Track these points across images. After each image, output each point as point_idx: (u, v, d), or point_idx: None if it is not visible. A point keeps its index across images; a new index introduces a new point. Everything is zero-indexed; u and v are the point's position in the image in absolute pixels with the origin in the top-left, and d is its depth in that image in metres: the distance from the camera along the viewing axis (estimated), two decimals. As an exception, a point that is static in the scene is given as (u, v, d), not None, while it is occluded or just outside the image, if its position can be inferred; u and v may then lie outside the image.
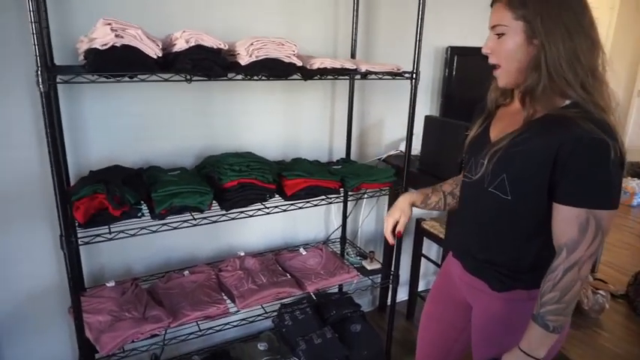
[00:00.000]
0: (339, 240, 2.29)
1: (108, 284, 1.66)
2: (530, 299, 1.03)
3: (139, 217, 1.40)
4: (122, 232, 1.36)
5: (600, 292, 2.60)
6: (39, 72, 1.13)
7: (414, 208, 1.32)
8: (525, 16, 0.94)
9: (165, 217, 1.42)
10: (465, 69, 2.29)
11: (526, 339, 0.99)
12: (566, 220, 0.93)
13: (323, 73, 1.61)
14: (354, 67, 1.68)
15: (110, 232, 1.35)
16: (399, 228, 1.29)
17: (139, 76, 1.31)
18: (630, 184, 4.58)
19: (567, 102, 0.96)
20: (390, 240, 1.29)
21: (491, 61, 1.03)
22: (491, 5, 1.02)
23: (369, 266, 2.05)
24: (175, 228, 1.44)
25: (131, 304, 1.58)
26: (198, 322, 1.60)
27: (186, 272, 1.81)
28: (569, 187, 0.91)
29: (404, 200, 1.30)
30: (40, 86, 1.14)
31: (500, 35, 0.99)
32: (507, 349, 1.02)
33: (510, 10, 0.96)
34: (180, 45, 1.33)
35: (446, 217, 2.10)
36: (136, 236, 1.38)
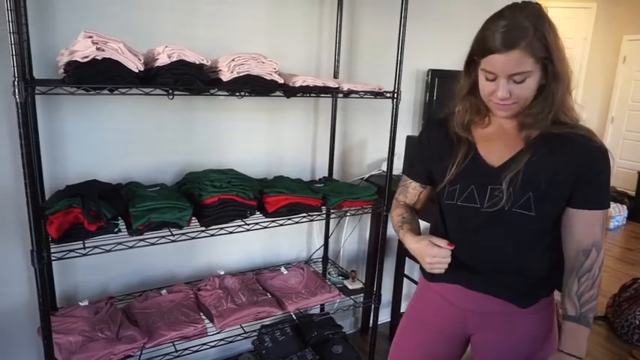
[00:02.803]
0: (321, 259, 2.27)
1: (81, 303, 1.61)
2: (550, 304, 1.11)
3: (116, 233, 1.37)
4: (97, 247, 1.32)
5: (580, 313, 2.61)
6: (16, 82, 1.11)
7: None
8: (546, 58, 0.94)
9: (142, 233, 1.39)
10: (446, 91, 2.34)
11: (573, 342, 1.00)
12: (590, 223, 1.02)
13: (305, 90, 1.62)
14: (337, 86, 1.70)
15: (84, 248, 1.31)
16: (444, 244, 1.06)
17: (119, 90, 1.31)
18: (607, 207, 4.67)
19: (546, 119, 1.00)
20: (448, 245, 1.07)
21: (507, 102, 0.98)
22: (500, 52, 0.93)
23: (351, 286, 2.03)
24: (153, 244, 1.41)
25: (104, 323, 1.53)
26: (175, 343, 1.55)
27: (163, 291, 1.76)
28: (592, 193, 1.00)
29: (413, 240, 1.12)
30: (17, 96, 1.12)
31: (521, 80, 0.95)
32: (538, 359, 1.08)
33: (532, 56, 0.93)
34: (162, 60, 1.34)
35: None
36: (113, 253, 1.35)
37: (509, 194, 1.01)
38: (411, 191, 1.26)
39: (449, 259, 1.04)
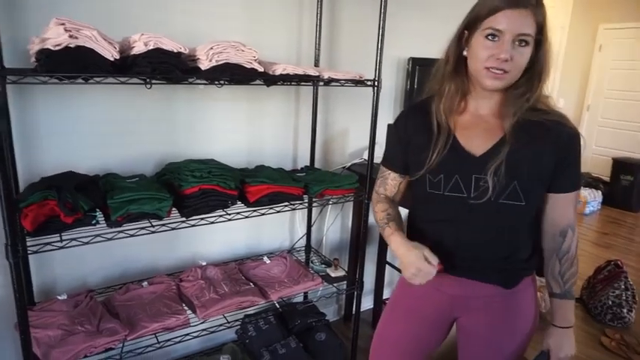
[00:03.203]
0: (303, 248, 2.28)
1: (60, 297, 1.58)
2: (531, 283, 1.17)
3: (94, 225, 1.34)
4: (75, 240, 1.30)
5: (557, 296, 2.69)
6: (-15, 71, 1.08)
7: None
8: (541, 23, 0.96)
9: (121, 225, 1.37)
10: (426, 79, 2.34)
11: (561, 316, 1.12)
12: (565, 205, 1.08)
13: (286, 79, 1.61)
14: (317, 74, 1.69)
15: (61, 240, 1.28)
16: (435, 262, 1.05)
17: (94, 79, 1.27)
18: (582, 193, 4.80)
19: (525, 105, 1.02)
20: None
21: (505, 68, 0.97)
22: (511, 8, 0.94)
23: (334, 274, 2.05)
24: (132, 235, 1.39)
25: (84, 317, 1.51)
26: (157, 335, 1.54)
27: (145, 283, 1.75)
28: (569, 177, 1.06)
29: (403, 245, 1.09)
30: (-14, 86, 1.08)
31: (524, 44, 0.96)
32: (524, 334, 1.15)
33: (535, 23, 0.95)
34: (138, 48, 1.30)
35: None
36: (91, 245, 1.32)
37: (495, 185, 1.02)
38: (391, 182, 1.25)
39: (432, 277, 1.03)
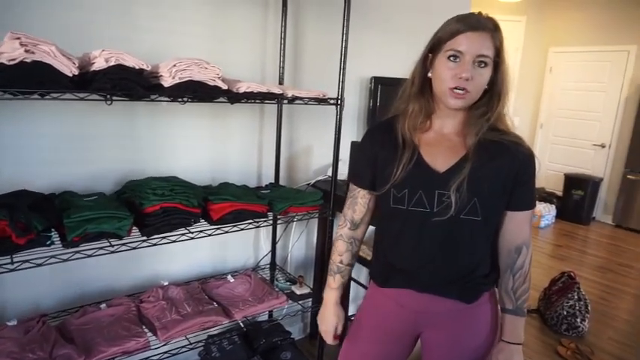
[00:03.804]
0: (268, 266, 2.26)
1: (9, 323, 1.50)
2: (491, 297, 1.19)
3: (48, 245, 1.29)
4: (27, 261, 1.24)
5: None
6: None
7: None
8: (498, 47, 1.03)
9: (78, 245, 1.32)
10: (388, 98, 2.41)
11: (512, 332, 1.14)
12: (521, 222, 1.13)
13: (250, 97, 1.62)
14: (281, 92, 1.71)
15: (12, 263, 1.22)
16: (339, 332, 1.34)
17: (51, 95, 1.24)
18: (537, 207, 5.01)
19: (486, 125, 1.08)
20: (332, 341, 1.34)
21: (467, 87, 1.02)
22: (471, 31, 1.01)
23: (299, 291, 2.04)
24: (90, 256, 1.34)
25: (36, 343, 1.43)
26: (116, 359, 1.48)
27: (103, 305, 1.68)
28: (525, 195, 1.11)
29: (330, 306, 1.33)
30: None
31: (483, 65, 1.02)
32: (485, 346, 1.18)
33: (493, 46, 1.02)
34: (99, 64, 1.29)
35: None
36: (45, 266, 1.27)
37: (457, 200, 1.05)
38: (360, 201, 1.24)
39: (328, 340, 1.32)
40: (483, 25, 1.02)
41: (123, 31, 1.65)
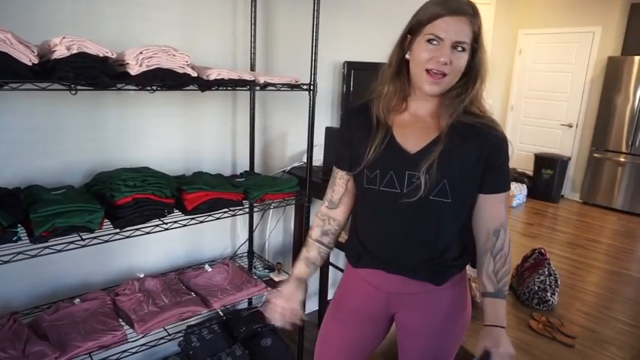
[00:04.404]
0: (246, 254, 2.26)
1: (-22, 322, 1.46)
2: (462, 280, 1.21)
3: (15, 242, 1.25)
4: (-7, 259, 1.20)
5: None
6: None
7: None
8: (476, 32, 1.03)
9: (47, 240, 1.29)
10: (362, 83, 2.42)
11: (495, 316, 1.11)
12: (496, 205, 1.13)
13: (221, 84, 1.59)
14: (253, 79, 1.69)
15: (-22, 261, 1.18)
16: (292, 320, 1.24)
17: (10, 85, 1.19)
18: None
19: (460, 107, 1.08)
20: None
21: (445, 70, 1.02)
22: (450, 15, 1.00)
23: (277, 278, 2.04)
24: (60, 251, 1.31)
25: (7, 341, 1.39)
26: (92, 354, 1.46)
27: (77, 300, 1.65)
28: (498, 178, 1.11)
29: (290, 280, 1.27)
30: None
31: (461, 49, 1.02)
32: (459, 327, 1.21)
33: (471, 26, 1.02)
34: (60, 52, 1.23)
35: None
36: (12, 263, 1.23)
37: (426, 182, 1.05)
38: (339, 181, 1.26)
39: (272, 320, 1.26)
40: (463, 9, 1.01)
41: (86, 17, 1.59)
